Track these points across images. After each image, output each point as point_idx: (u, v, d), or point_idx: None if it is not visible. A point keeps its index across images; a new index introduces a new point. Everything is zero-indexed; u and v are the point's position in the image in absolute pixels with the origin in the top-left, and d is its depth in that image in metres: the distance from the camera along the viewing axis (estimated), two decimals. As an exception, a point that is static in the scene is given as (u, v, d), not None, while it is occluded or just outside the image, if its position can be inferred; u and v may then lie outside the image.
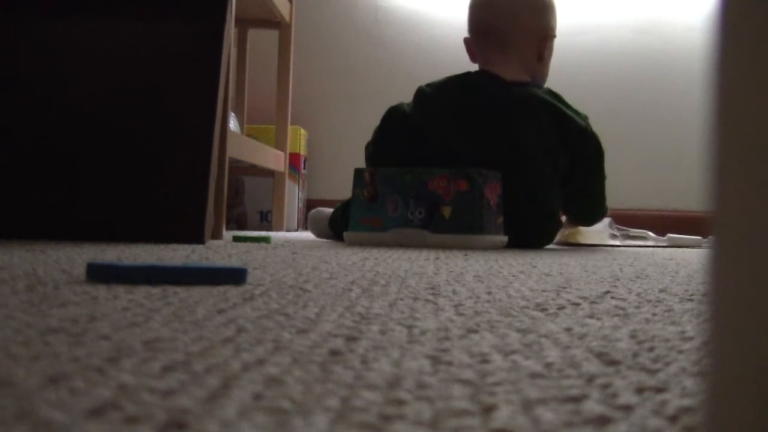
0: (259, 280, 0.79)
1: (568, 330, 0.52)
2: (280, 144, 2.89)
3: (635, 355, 0.43)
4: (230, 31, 1.73)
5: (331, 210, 2.11)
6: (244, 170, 3.05)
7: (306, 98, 3.39)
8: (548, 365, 0.40)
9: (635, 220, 3.14)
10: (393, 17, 3.41)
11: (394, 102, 2.15)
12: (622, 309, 0.64)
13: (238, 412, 0.29)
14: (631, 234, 2.38)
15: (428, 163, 1.83)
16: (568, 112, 1.89)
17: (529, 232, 1.87)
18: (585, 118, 1.92)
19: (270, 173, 2.98)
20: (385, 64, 3.40)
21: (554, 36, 1.95)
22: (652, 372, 0.39)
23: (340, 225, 1.96)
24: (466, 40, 2.01)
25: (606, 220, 2.22)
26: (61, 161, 1.59)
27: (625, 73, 3.36)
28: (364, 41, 3.42)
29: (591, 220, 2.09)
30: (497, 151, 1.82)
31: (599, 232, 2.22)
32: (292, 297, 0.66)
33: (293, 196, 3.13)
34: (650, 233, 2.43)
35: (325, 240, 2.08)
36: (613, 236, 2.31)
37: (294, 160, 3.12)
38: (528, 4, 1.89)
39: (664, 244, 2.35)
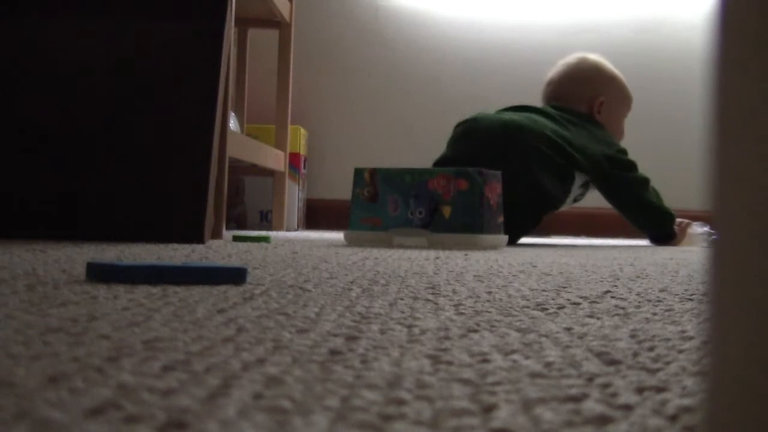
0: (259, 280, 0.79)
1: (568, 329, 0.52)
2: (280, 144, 2.89)
3: (635, 354, 0.43)
4: (230, 31, 1.73)
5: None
6: (244, 170, 3.05)
7: (306, 98, 3.39)
8: (548, 365, 0.40)
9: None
10: (393, 17, 3.41)
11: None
12: (622, 308, 0.64)
13: (238, 412, 0.29)
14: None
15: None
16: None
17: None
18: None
19: (270, 173, 2.98)
20: (385, 64, 3.40)
21: (603, 100, 2.41)
22: (652, 371, 0.39)
23: None
24: None
25: (696, 224, 2.40)
26: (60, 161, 1.59)
27: (626, 72, 3.35)
28: (364, 41, 3.42)
29: (653, 225, 2.37)
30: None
31: (697, 235, 2.40)
32: (292, 296, 0.66)
33: (293, 195, 3.13)
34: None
35: (325, 240, 2.08)
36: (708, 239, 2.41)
37: (294, 159, 3.12)
38: (573, 77, 2.43)
39: None
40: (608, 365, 0.40)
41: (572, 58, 2.49)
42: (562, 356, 0.42)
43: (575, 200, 2.33)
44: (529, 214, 2.13)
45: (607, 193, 2.30)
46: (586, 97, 2.41)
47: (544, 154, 2.12)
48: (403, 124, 3.38)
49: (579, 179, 2.22)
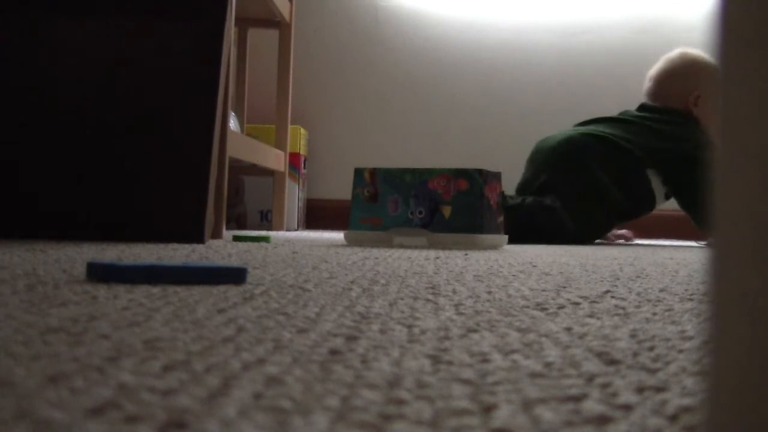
0: (259, 280, 0.79)
1: (568, 329, 0.52)
2: (280, 144, 2.89)
3: (635, 354, 0.43)
4: (230, 31, 1.73)
5: None
6: (244, 170, 3.05)
7: (306, 98, 3.39)
8: (548, 365, 0.40)
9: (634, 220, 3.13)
10: (393, 17, 3.41)
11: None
12: (622, 308, 0.64)
13: (238, 412, 0.29)
14: None
15: None
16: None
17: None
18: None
19: (270, 173, 2.98)
20: (385, 64, 3.40)
21: (699, 93, 2.47)
22: (652, 371, 0.39)
23: None
24: None
25: None
26: (61, 161, 1.59)
27: (626, 73, 3.36)
28: (364, 41, 3.42)
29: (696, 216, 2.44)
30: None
31: None
32: (292, 296, 0.66)
33: (293, 195, 3.13)
34: None
35: (325, 240, 2.08)
36: None
37: (294, 159, 3.12)
38: (669, 74, 2.53)
39: None
40: (608, 365, 0.40)
41: (673, 53, 2.58)
42: (562, 356, 0.42)
43: (666, 197, 2.44)
44: (612, 217, 2.33)
45: (677, 193, 2.40)
46: (681, 92, 2.51)
47: (606, 162, 2.30)
48: (403, 124, 3.38)
49: (656, 178, 2.37)
